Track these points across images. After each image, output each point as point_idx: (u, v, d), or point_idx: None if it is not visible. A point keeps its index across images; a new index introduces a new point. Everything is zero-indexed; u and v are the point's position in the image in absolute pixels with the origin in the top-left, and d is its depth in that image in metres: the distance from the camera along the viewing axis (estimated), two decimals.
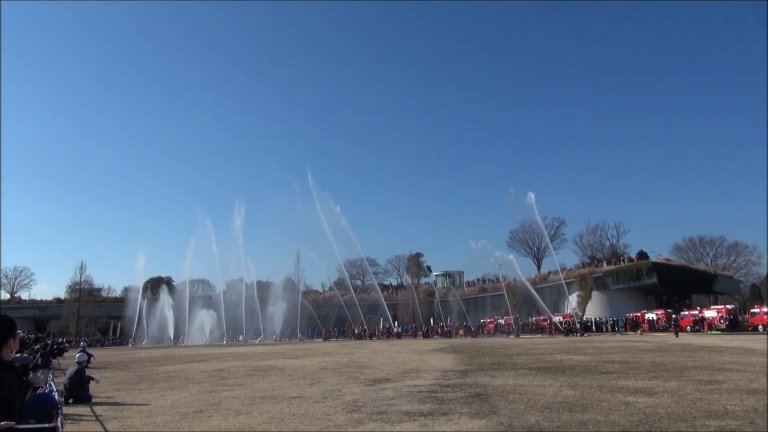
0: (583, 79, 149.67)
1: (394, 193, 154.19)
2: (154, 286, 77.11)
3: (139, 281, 77.45)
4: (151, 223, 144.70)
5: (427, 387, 12.60)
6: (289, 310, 71.29)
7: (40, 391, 7.31)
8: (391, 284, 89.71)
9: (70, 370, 12.62)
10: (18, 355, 7.76)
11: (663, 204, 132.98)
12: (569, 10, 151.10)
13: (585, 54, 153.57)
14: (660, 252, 69.64)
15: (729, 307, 50.49)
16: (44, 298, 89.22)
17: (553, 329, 53.48)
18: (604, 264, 68.02)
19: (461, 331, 59.89)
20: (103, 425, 8.85)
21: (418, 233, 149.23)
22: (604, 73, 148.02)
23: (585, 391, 11.09)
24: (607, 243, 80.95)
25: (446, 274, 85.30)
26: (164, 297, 74.63)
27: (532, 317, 62.61)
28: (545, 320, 57.94)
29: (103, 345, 67.64)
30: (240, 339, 68.86)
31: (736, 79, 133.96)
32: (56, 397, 8.22)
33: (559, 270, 65.82)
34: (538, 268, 79.24)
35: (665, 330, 47.62)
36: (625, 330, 53.19)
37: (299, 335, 69.57)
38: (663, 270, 60.81)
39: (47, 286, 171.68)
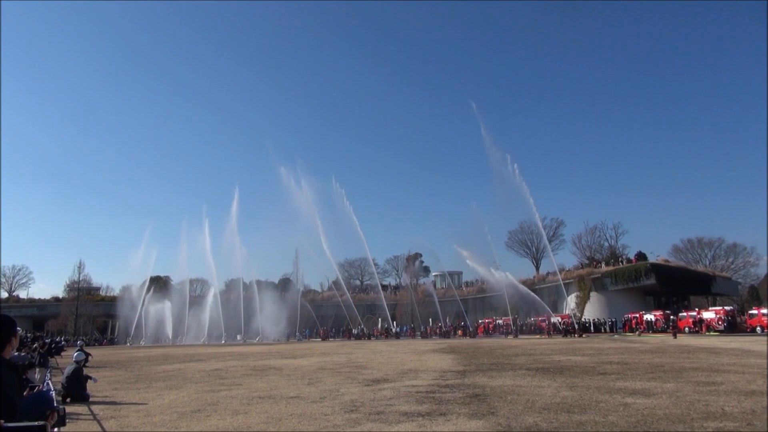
0: (583, 78, 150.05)
1: (394, 190, 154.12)
2: (152, 285, 76.99)
3: (137, 280, 77.49)
4: (151, 221, 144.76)
5: (425, 387, 12.60)
6: (288, 310, 71.33)
7: (37, 389, 7.31)
8: (390, 284, 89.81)
9: (68, 369, 12.60)
10: (16, 354, 7.74)
11: (661, 205, 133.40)
12: (569, 7, 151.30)
13: (585, 53, 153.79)
14: (658, 253, 69.91)
15: (727, 308, 50.55)
16: (42, 297, 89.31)
17: (552, 330, 53.50)
18: (603, 265, 68.09)
19: (459, 332, 59.91)
20: (100, 424, 8.83)
21: (417, 232, 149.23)
22: (604, 72, 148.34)
23: (583, 392, 11.08)
24: (606, 244, 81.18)
25: (445, 274, 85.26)
26: (163, 296, 74.56)
27: (530, 318, 62.67)
28: (544, 321, 58.01)
29: (101, 344, 67.59)
30: (238, 338, 68.84)
31: (735, 81, 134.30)
32: (53, 396, 8.21)
33: (557, 271, 65.91)
34: (537, 268, 79.40)
35: (663, 331, 47.67)
36: (624, 331, 53.25)
37: (298, 335, 69.60)
38: (661, 271, 60.89)
39: (45, 285, 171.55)
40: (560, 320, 55.57)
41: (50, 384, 10.49)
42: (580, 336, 48.91)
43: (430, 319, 66.37)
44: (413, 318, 68.34)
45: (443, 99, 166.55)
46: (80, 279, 79.92)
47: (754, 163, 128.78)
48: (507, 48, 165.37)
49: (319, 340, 64.94)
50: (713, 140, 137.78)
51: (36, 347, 22.33)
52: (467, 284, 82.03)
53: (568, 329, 51.99)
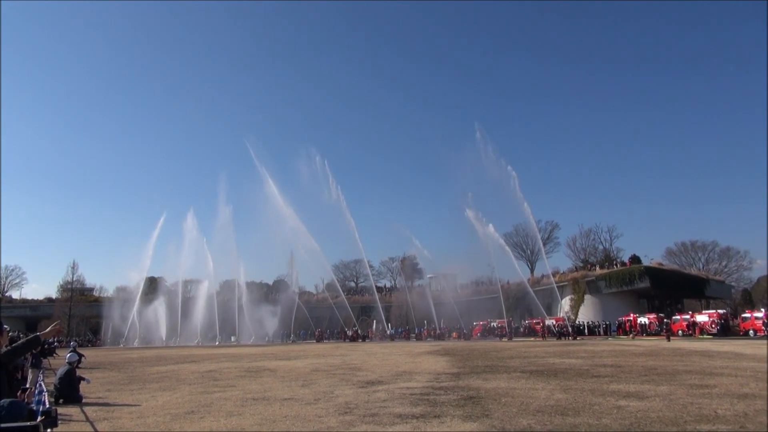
0: (578, 81, 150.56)
1: (390, 192, 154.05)
2: (146, 286, 76.68)
3: (131, 281, 77.13)
4: (145, 222, 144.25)
5: (419, 389, 12.60)
6: (282, 312, 71.22)
7: (28, 392, 7.26)
8: (385, 286, 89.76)
9: (61, 370, 12.54)
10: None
11: (656, 208, 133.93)
12: (565, 9, 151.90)
13: (581, 55, 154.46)
14: (652, 256, 70.28)
15: (720, 311, 50.78)
16: (35, 298, 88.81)
17: (546, 332, 53.64)
18: (597, 268, 68.34)
19: (454, 334, 59.94)
20: (93, 426, 8.79)
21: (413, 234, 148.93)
22: (600, 76, 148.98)
23: (577, 394, 11.12)
24: (600, 247, 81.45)
25: (440, 276, 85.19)
26: (157, 297, 74.29)
27: (525, 320, 62.77)
28: (538, 323, 58.13)
29: (94, 345, 67.25)
30: (232, 340, 68.65)
31: (730, 84, 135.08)
32: (45, 399, 8.16)
33: (551, 274, 66.13)
34: (532, 271, 79.55)
35: (657, 334, 47.85)
36: (618, 334, 53.42)
37: (292, 336, 69.49)
38: (655, 274, 61.15)
39: (38, 286, 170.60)
40: (554, 323, 55.69)
41: (43, 385, 10.43)
42: (574, 339, 49.02)
43: (425, 321, 66.38)
44: (408, 320, 68.33)
45: (439, 101, 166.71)
46: (74, 279, 79.60)
47: (747, 167, 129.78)
48: (502, 50, 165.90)
49: (314, 341, 64.85)
50: (708, 144, 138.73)
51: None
52: (462, 286, 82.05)
53: (562, 332, 52.11)
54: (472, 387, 12.89)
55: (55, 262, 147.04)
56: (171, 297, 73.73)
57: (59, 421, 9.02)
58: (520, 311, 65.11)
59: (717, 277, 72.36)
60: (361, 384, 14.20)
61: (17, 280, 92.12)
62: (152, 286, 78.03)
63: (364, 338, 64.77)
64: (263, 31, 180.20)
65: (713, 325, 46.76)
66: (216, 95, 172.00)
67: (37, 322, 76.51)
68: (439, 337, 59.97)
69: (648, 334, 49.65)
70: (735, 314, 55.21)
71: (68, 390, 12.05)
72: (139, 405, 11.37)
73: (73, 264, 79.76)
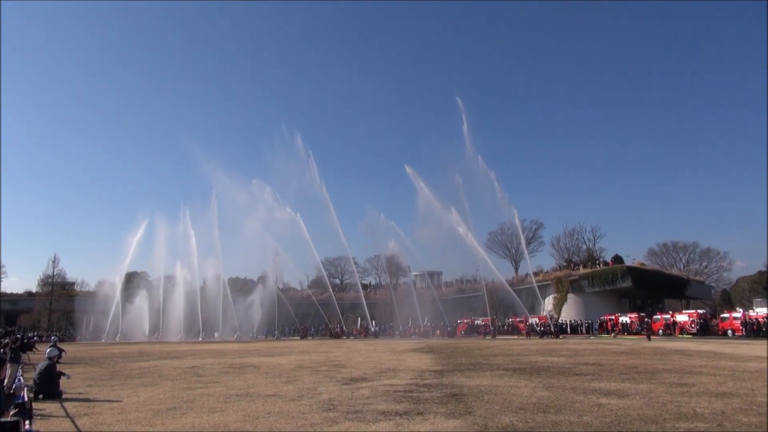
0: (565, 81, 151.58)
1: (377, 189, 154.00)
2: (128, 280, 75.79)
3: (114, 275, 76.13)
4: (128, 216, 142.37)
5: (403, 387, 12.63)
6: (267, 308, 70.87)
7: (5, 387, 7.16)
8: (370, 283, 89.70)
9: (41, 365, 12.36)
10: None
11: (638, 209, 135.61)
12: (553, 8, 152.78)
13: (568, 55, 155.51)
14: (635, 256, 71.06)
15: (700, 311, 51.53)
16: (15, 292, 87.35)
17: (530, 331, 54.01)
18: (580, 267, 68.92)
19: (438, 331, 60.12)
20: (73, 422, 8.69)
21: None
22: (586, 76, 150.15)
23: (559, 392, 11.22)
24: (584, 246, 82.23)
25: (425, 274, 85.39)
26: (139, 292, 73.48)
27: (508, 318, 63.14)
28: (522, 321, 58.51)
29: (74, 340, 66.37)
30: (216, 336, 68.23)
31: (723, 81, 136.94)
32: (25, 394, 8.06)
33: (532, 274, 66.59)
34: (516, 270, 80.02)
35: (638, 333, 48.41)
36: (599, 333, 53.96)
37: (276, 333, 69.22)
38: (637, 274, 61.84)
39: (18, 279, 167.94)
40: (538, 321, 56.11)
41: (21, 380, 10.29)
42: (557, 337, 49.43)
43: (410, 319, 66.51)
44: (392, 317, 68.39)
45: (428, 99, 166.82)
46: (54, 273, 78.48)
47: (731, 168, 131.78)
48: (490, 50, 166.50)
49: (298, 338, 64.66)
50: (692, 145, 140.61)
51: (7, 342, 21.90)
52: (447, 284, 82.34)
53: (545, 330, 52.52)
54: (455, 384, 12.95)
55: (36, 256, 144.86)
56: (153, 292, 72.99)
57: (38, 417, 8.93)
58: (504, 309, 65.46)
59: (697, 278, 73.44)
60: (344, 381, 14.20)
61: None
62: (134, 281, 77.14)
63: (348, 335, 64.72)
64: (252, 26, 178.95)
65: (693, 325, 47.43)
66: (202, 89, 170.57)
67: (17, 316, 75.41)
68: (424, 335, 60.12)
69: (629, 333, 50.21)
70: (714, 314, 55.98)
71: (48, 385, 11.88)
72: (120, 401, 11.26)
73: (54, 258, 78.71)
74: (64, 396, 11.82)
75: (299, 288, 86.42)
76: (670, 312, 55.84)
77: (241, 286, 77.29)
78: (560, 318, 60.62)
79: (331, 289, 76.10)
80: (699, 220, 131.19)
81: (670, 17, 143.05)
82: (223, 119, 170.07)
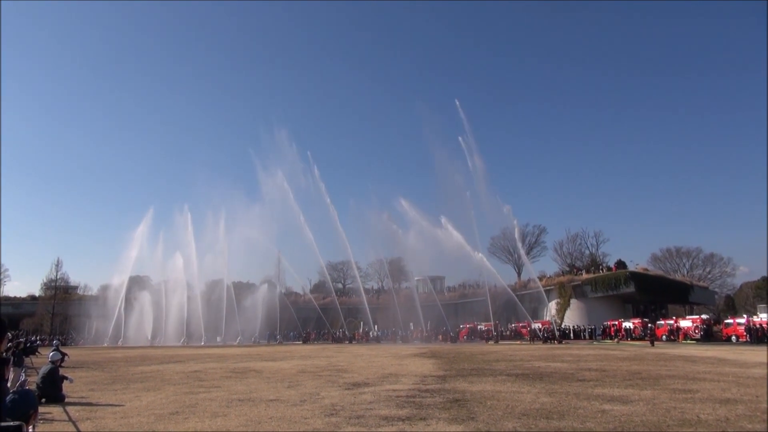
0: (567, 84, 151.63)
1: (381, 192, 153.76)
2: (131, 284, 75.83)
3: (116, 279, 76.18)
4: (132, 220, 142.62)
5: (405, 392, 12.61)
6: (269, 312, 70.82)
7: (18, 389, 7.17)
8: (372, 287, 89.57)
9: (43, 369, 12.39)
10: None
11: (642, 214, 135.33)
12: (554, 9, 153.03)
13: (569, 58, 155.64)
14: (638, 262, 70.78)
15: (704, 317, 51.38)
16: (18, 295, 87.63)
17: (533, 336, 53.89)
18: (583, 272, 68.75)
19: (440, 336, 60.01)
20: (76, 426, 8.69)
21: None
22: (589, 79, 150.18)
23: (562, 398, 11.19)
24: (587, 252, 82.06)
25: (427, 279, 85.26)
26: (142, 296, 73.51)
27: (511, 324, 62.98)
28: (524, 327, 58.36)
29: (77, 344, 66.41)
30: (218, 340, 68.19)
31: (724, 84, 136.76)
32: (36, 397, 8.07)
33: (536, 279, 66.42)
34: (518, 275, 79.87)
35: (641, 339, 48.26)
36: (602, 338, 53.81)
37: (278, 337, 69.17)
38: (640, 279, 61.68)
39: (21, 283, 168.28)
40: (540, 326, 55.99)
41: (26, 384, 10.29)
42: (560, 342, 49.31)
43: (411, 324, 66.41)
44: (395, 322, 68.29)
45: (429, 101, 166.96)
46: (57, 277, 78.60)
47: (735, 173, 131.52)
48: (490, 52, 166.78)
49: (300, 343, 64.59)
50: (697, 149, 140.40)
51: (10, 346, 21.92)
52: (449, 289, 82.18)
53: (548, 336, 52.39)
54: (458, 390, 12.92)
55: (39, 260, 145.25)
56: (156, 296, 73.00)
57: (41, 421, 8.94)
58: (506, 315, 65.30)
59: (701, 283, 73.16)
60: (347, 386, 14.17)
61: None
62: (137, 285, 77.17)
63: (350, 340, 64.64)
64: (255, 28, 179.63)
65: (696, 331, 47.30)
66: (210, 91, 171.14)
67: (20, 320, 75.45)
68: (426, 340, 59.99)
69: (632, 339, 50.07)
70: (718, 320, 55.83)
71: (51, 389, 11.90)
72: (122, 405, 11.26)
73: (57, 261, 78.94)
74: (66, 400, 11.84)
75: (302, 293, 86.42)
76: (674, 318, 55.72)
77: (243, 291, 77.20)
78: (563, 323, 60.49)
79: (334, 293, 76.01)
80: (703, 225, 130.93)
81: (677, 17, 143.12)
82: (223, 119, 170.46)
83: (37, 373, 13.09)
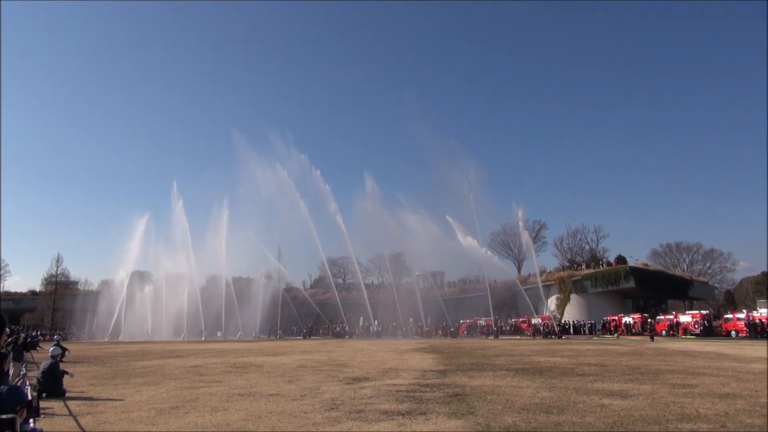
0: (568, 81, 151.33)
1: (381, 187, 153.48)
2: (132, 279, 75.88)
3: (117, 274, 76.27)
4: (133, 215, 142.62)
5: (405, 386, 12.63)
6: (269, 307, 70.91)
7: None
8: (372, 283, 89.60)
9: (44, 364, 12.41)
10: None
11: (642, 209, 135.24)
12: (555, 8, 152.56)
13: (570, 54, 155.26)
14: (638, 257, 70.69)
15: (703, 312, 51.36)
16: (19, 291, 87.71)
17: (533, 331, 53.94)
18: (583, 267, 68.69)
19: (440, 331, 60.09)
20: (76, 420, 8.70)
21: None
22: (589, 76, 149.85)
23: (562, 392, 11.21)
24: (587, 247, 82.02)
25: (427, 274, 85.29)
26: (142, 291, 73.62)
27: (511, 319, 63.03)
28: (524, 322, 58.41)
29: (77, 339, 66.53)
30: (219, 335, 68.29)
31: (723, 82, 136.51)
32: (29, 392, 8.07)
33: (538, 273, 66.37)
34: (519, 270, 79.86)
35: (641, 334, 48.29)
36: (602, 333, 53.86)
37: (279, 332, 69.28)
38: (640, 275, 61.65)
39: (21, 278, 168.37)
40: (540, 321, 56.05)
41: (26, 379, 10.32)
42: (560, 337, 49.36)
43: (411, 319, 66.48)
44: (395, 317, 68.36)
45: (430, 99, 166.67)
46: (58, 272, 78.67)
47: (735, 168, 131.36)
48: (491, 49, 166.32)
49: (301, 337, 64.70)
50: (696, 145, 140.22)
51: (11, 341, 21.97)
52: (449, 284, 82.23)
53: (548, 331, 52.44)
54: (457, 384, 12.94)
55: (40, 255, 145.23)
56: (156, 291, 73.09)
57: (42, 416, 8.95)
58: (506, 310, 65.30)
59: (701, 279, 73.15)
60: (347, 380, 14.20)
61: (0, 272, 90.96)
62: (137, 280, 77.20)
63: (351, 335, 64.73)
64: (254, 26, 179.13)
65: (696, 326, 47.29)
66: (207, 88, 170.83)
67: (20, 315, 75.56)
68: (426, 335, 60.07)
69: (632, 334, 50.10)
70: (718, 315, 55.84)
71: (51, 384, 11.93)
72: (123, 400, 11.28)
73: (58, 257, 78.96)
74: (67, 395, 11.86)
75: (302, 288, 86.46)
76: (674, 313, 55.72)
77: (244, 285, 77.27)
78: (563, 318, 60.52)
79: (334, 287, 76.05)
80: (703, 220, 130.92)
81: (677, 17, 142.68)
82: (223, 116, 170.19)
83: (38, 368, 13.11)
